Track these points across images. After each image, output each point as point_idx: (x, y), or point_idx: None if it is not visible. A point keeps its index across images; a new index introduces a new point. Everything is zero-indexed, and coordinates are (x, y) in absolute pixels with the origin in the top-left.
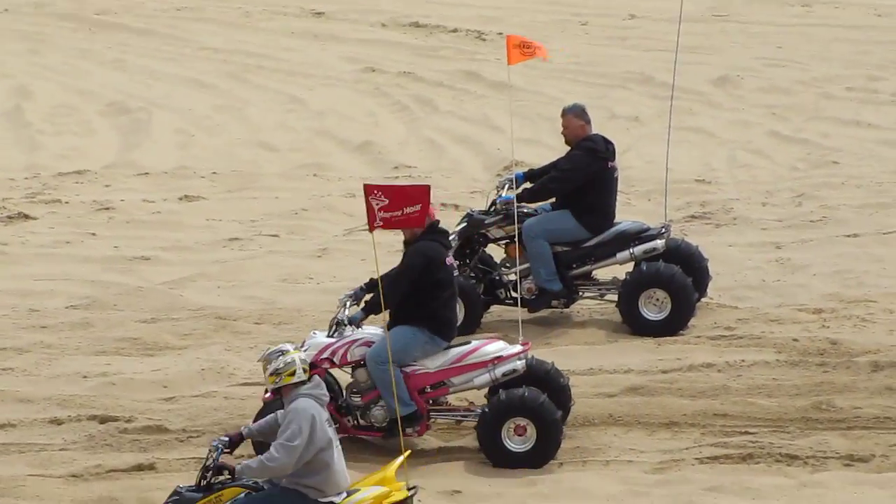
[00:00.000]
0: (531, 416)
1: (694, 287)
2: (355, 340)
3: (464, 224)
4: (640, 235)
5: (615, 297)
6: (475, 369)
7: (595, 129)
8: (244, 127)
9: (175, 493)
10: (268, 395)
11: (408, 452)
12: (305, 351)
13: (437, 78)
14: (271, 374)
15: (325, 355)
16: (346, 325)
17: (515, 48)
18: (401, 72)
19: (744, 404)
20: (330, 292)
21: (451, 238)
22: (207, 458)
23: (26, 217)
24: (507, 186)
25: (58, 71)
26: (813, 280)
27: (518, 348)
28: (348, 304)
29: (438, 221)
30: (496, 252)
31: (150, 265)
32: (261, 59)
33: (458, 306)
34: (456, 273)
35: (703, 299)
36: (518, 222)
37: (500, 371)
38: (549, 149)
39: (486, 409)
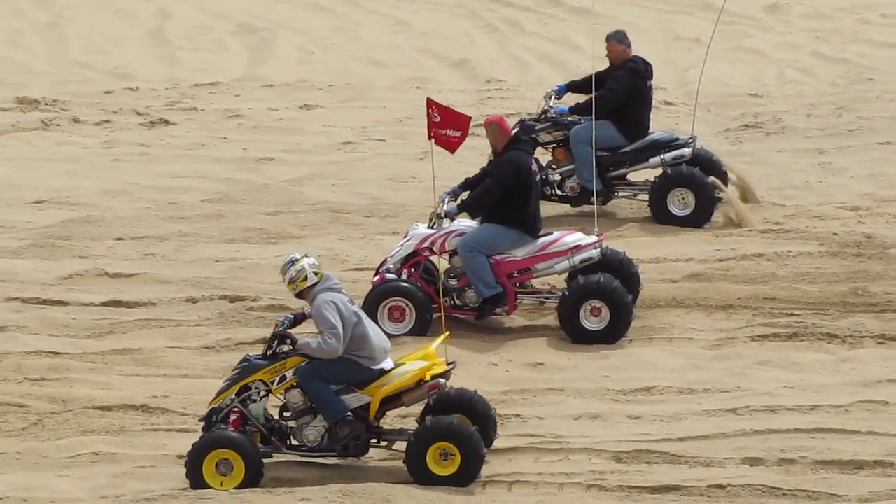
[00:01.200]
0: (606, 299)
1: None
2: (452, 231)
3: (516, 129)
4: (669, 144)
5: (646, 197)
6: (556, 257)
7: (661, 49)
8: (357, 45)
9: (244, 359)
10: (376, 278)
11: (447, 333)
12: (408, 241)
13: (525, 3)
14: (289, 283)
15: (425, 244)
16: (443, 219)
17: None
18: None
19: (790, 289)
20: (430, 190)
21: None
22: (275, 329)
23: (167, 122)
24: (552, 97)
25: None
26: (850, 181)
27: (594, 239)
28: (446, 199)
29: (518, 132)
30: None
31: (274, 165)
32: None
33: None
34: (537, 177)
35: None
36: (565, 129)
37: (577, 259)
38: None
39: (566, 292)
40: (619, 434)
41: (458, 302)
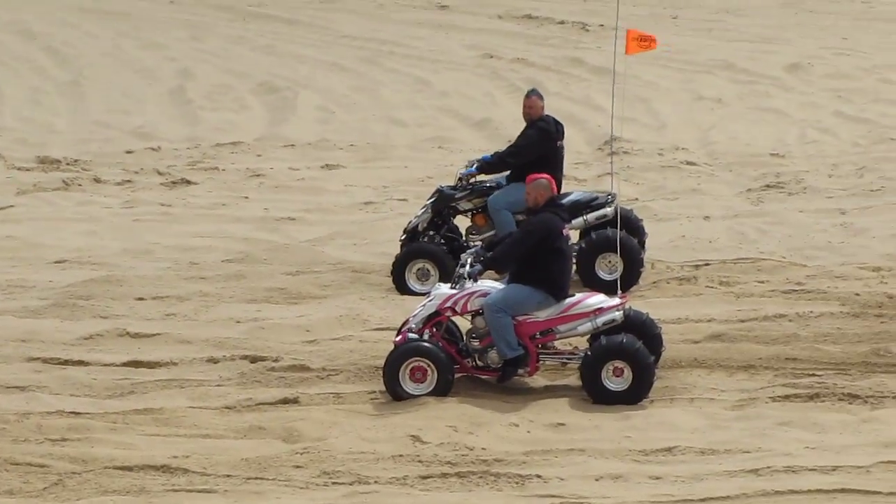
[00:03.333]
0: (628, 359)
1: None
2: (475, 292)
3: (435, 198)
4: (590, 204)
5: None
6: (579, 318)
7: (683, 109)
8: (378, 105)
9: None
10: (398, 338)
11: None
12: (431, 301)
13: (546, 63)
14: None
15: (448, 304)
16: (466, 279)
17: (634, 40)
18: (515, 58)
19: (812, 350)
20: (451, 252)
21: (422, 210)
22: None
23: (188, 182)
24: (474, 165)
25: (216, 55)
26: (872, 242)
27: (616, 301)
28: (469, 260)
29: (558, 195)
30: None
31: (295, 225)
32: (392, 46)
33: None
34: (570, 241)
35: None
36: (484, 195)
37: (600, 321)
38: (643, 125)
39: (589, 353)
40: (640, 494)
41: (480, 363)
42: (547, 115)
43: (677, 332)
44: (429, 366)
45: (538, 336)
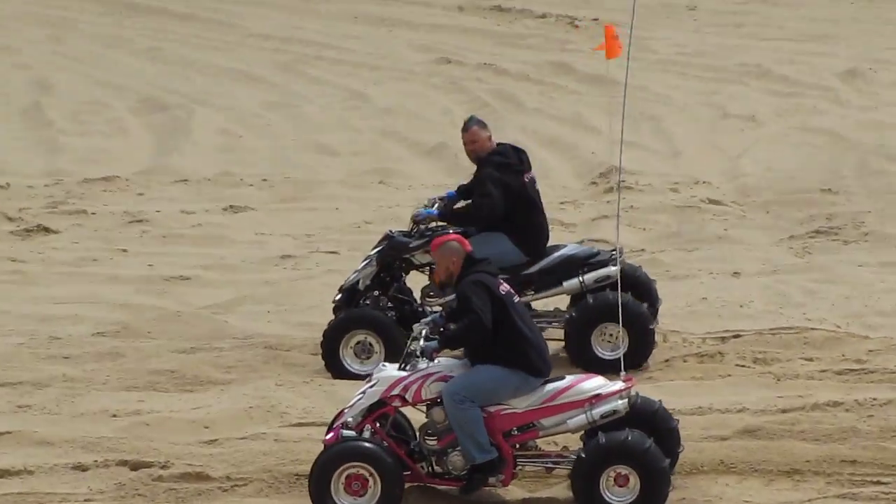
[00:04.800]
0: (635, 463)
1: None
2: (430, 374)
3: (382, 247)
4: (589, 261)
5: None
6: (569, 409)
7: (705, 130)
8: (299, 127)
9: None
10: (329, 436)
11: None
12: (373, 387)
13: (523, 70)
14: None
15: (395, 391)
16: (419, 357)
17: (614, 39)
18: (480, 63)
19: (876, 449)
20: (401, 320)
21: (364, 263)
22: None
23: (47, 230)
24: (435, 204)
25: (83, 61)
26: None
27: (619, 385)
28: (425, 332)
29: (472, 252)
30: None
31: (190, 286)
32: (319, 49)
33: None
34: (516, 299)
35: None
36: None
37: (598, 412)
38: (652, 152)
39: (583, 455)
40: None
41: (438, 468)
42: (500, 145)
43: (699, 426)
44: (370, 473)
45: (515, 433)
